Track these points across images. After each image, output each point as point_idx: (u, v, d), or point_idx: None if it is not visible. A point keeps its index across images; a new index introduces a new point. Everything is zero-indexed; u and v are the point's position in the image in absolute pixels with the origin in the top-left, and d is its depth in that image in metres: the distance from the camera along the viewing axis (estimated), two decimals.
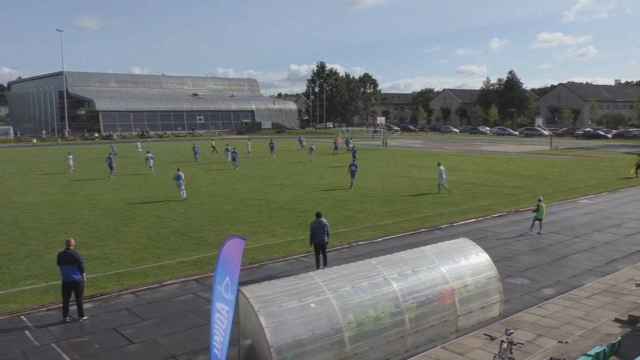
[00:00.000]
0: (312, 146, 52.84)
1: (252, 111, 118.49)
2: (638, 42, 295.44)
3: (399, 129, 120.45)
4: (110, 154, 42.70)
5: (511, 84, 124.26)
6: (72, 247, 12.36)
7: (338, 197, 28.78)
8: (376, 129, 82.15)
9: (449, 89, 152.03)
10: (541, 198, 20.76)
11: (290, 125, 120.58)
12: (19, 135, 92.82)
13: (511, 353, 8.93)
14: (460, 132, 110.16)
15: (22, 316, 12.43)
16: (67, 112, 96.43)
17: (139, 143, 63.16)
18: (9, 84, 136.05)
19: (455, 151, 61.72)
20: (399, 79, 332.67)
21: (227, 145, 52.71)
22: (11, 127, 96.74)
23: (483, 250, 12.23)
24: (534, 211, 20.65)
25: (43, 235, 20.07)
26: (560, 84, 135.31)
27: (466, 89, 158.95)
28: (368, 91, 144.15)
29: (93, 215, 23.85)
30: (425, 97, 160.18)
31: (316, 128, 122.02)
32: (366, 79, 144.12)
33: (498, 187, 32.44)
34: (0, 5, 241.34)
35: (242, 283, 11.56)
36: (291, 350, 8.64)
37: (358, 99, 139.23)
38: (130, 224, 22.08)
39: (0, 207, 26.10)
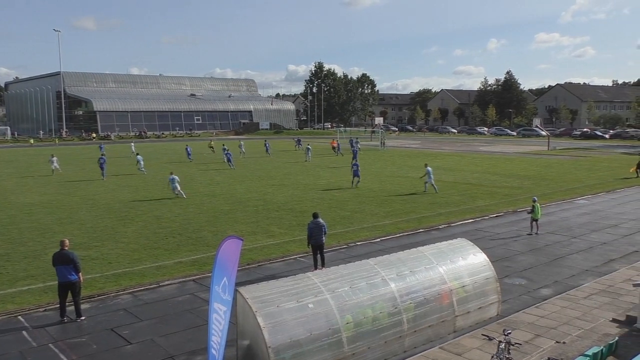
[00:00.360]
0: (309, 147, 53.02)
1: (250, 111, 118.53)
2: (636, 42, 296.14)
3: (396, 129, 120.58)
4: (102, 154, 42.32)
5: (509, 84, 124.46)
6: (66, 248, 12.31)
7: (336, 197, 28.79)
8: (374, 130, 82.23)
9: (446, 90, 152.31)
10: (536, 198, 20.78)
11: (289, 125, 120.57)
12: (16, 135, 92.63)
13: (509, 353, 8.94)
14: (458, 132, 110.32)
15: (19, 317, 12.40)
16: (65, 112, 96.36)
17: (132, 143, 62.64)
18: (6, 84, 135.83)
19: (453, 151, 61.80)
20: (397, 80, 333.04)
21: (224, 145, 52.83)
22: (8, 128, 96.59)
23: (481, 251, 12.25)
24: (529, 212, 20.65)
25: (40, 235, 20.04)
26: (557, 84, 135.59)
27: (464, 89, 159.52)
28: (366, 91, 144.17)
29: (90, 216, 23.82)
30: (423, 97, 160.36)
31: (314, 128, 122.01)
32: (364, 79, 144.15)
33: (496, 187, 32.49)
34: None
35: (240, 283, 11.57)
36: (289, 351, 8.64)
37: (356, 100, 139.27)
38: (128, 224, 22.05)
39: None
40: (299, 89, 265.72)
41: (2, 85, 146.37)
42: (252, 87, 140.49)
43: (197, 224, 22.05)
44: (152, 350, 10.70)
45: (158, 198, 28.41)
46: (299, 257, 17.20)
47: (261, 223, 22.18)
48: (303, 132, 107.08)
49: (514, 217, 23.82)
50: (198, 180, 35.84)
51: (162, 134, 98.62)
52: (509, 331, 9.18)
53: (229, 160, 44.27)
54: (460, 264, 11.56)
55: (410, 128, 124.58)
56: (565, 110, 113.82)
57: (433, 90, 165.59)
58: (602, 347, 9.65)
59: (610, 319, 11.91)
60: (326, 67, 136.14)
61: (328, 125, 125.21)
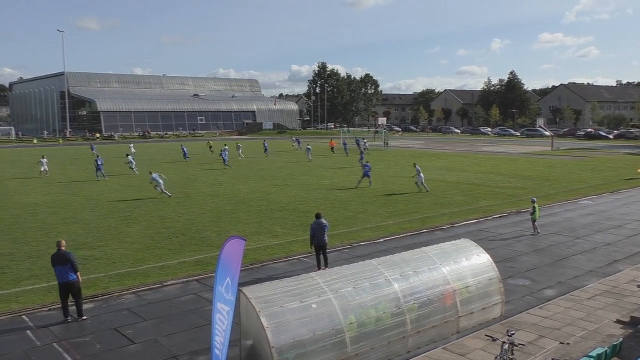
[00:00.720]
0: (309, 146, 53.25)
1: (254, 112, 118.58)
2: (639, 42, 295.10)
3: (400, 129, 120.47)
4: (97, 155, 41.50)
5: (512, 84, 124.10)
6: (63, 248, 12.26)
7: (339, 197, 28.79)
8: (377, 130, 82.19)
9: (450, 90, 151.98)
10: (534, 199, 20.73)
11: (292, 125, 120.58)
12: (20, 135, 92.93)
13: (512, 354, 8.92)
14: (461, 132, 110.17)
15: (23, 316, 12.45)
16: (69, 112, 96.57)
17: (131, 144, 61.28)
18: (11, 84, 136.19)
19: (456, 152, 61.71)
20: (400, 80, 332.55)
21: (225, 145, 53.02)
22: (13, 128, 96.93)
23: (484, 251, 12.22)
24: (531, 214, 20.55)
25: (44, 235, 20.09)
26: (561, 84, 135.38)
27: (467, 89, 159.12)
28: (369, 92, 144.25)
29: (94, 216, 23.87)
30: (426, 97, 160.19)
31: (317, 128, 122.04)
32: (367, 80, 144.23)
33: (499, 187, 32.43)
34: (2, 5, 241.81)
35: (243, 283, 11.58)
36: (292, 351, 8.64)
37: (359, 100, 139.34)
38: (132, 224, 22.10)
39: (2, 207, 26.14)
40: (302, 89, 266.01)
41: (7, 86, 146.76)
42: (255, 87, 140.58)
43: (201, 224, 22.08)
44: (156, 350, 10.72)
45: (161, 198, 28.45)
46: (302, 257, 17.21)
47: (264, 223, 22.19)
48: (306, 132, 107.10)
49: (518, 217, 23.77)
50: (201, 180, 35.89)
51: (166, 134, 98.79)
52: (513, 332, 9.16)
53: (224, 159, 44.74)
54: (463, 265, 11.53)
55: (414, 128, 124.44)
56: (568, 110, 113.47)
57: (436, 91, 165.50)
58: (606, 348, 9.61)
59: (615, 320, 11.87)
60: (329, 67, 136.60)
61: (331, 125, 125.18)
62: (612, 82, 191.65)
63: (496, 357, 8.91)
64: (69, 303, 12.29)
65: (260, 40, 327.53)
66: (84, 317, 12.24)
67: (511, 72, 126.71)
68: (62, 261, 12.07)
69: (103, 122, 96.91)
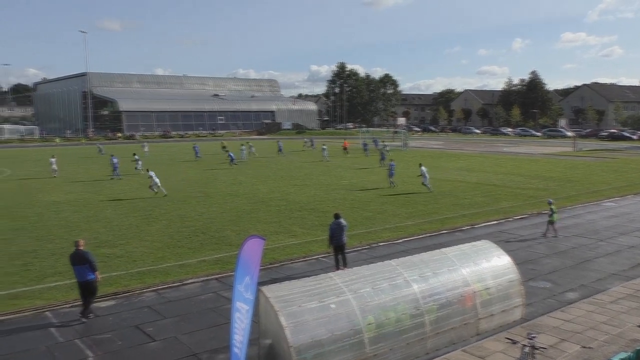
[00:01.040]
0: (324, 146, 53.41)
1: (273, 112, 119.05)
2: None
3: (419, 129, 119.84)
4: (112, 155, 40.99)
5: (534, 84, 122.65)
6: (81, 247, 12.37)
7: (358, 197, 28.74)
8: (396, 130, 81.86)
9: (470, 90, 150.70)
10: (551, 201, 20.38)
11: (311, 125, 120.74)
12: (44, 135, 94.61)
13: (533, 357, 8.82)
14: (481, 133, 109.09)
15: (47, 312, 12.68)
16: (91, 112, 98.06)
17: (145, 144, 61.40)
18: (35, 84, 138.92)
19: (477, 152, 61.16)
20: (419, 80, 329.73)
21: (242, 145, 53.44)
22: (37, 127, 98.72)
23: (505, 253, 12.10)
24: (550, 215, 20.17)
25: (67, 233, 20.42)
26: (584, 84, 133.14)
27: (488, 89, 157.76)
28: (388, 92, 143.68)
29: (116, 214, 24.20)
30: (446, 97, 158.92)
31: (336, 129, 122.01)
32: (386, 80, 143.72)
33: (520, 188, 32.05)
34: (27, 6, 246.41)
35: (262, 283, 11.63)
36: (311, 351, 8.66)
37: (378, 100, 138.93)
38: (152, 222, 22.35)
39: (26, 205, 26.65)
40: (321, 89, 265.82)
41: (31, 86, 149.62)
42: (274, 87, 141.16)
43: (220, 223, 22.23)
44: (176, 347, 10.83)
45: (181, 197, 28.72)
46: (321, 257, 17.22)
47: (283, 223, 22.26)
48: (325, 133, 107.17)
49: (539, 219, 23.45)
50: (221, 180, 36.14)
51: (186, 133, 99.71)
52: (534, 335, 9.06)
53: (231, 160, 45.29)
54: (483, 266, 11.43)
55: (433, 128, 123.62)
56: (591, 110, 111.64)
57: (456, 91, 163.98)
58: (629, 353, 9.44)
59: (638, 324, 11.66)
60: (348, 67, 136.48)
61: (350, 125, 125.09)
62: (637, 82, 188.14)
63: None
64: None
65: (279, 41, 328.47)
66: (91, 315, 12.26)
67: (532, 72, 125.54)
68: (80, 261, 12.20)
69: (125, 122, 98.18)
